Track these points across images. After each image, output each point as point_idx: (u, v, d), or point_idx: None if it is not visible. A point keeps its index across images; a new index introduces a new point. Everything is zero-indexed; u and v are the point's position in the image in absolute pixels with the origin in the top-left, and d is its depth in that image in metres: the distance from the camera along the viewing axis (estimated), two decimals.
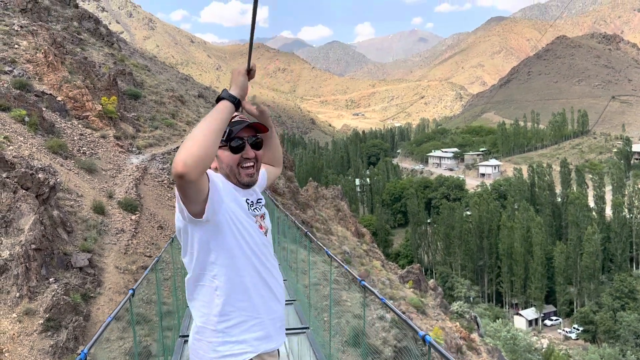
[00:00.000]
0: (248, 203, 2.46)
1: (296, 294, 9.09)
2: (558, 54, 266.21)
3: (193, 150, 1.93)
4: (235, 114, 2.39)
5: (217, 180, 2.33)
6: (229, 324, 2.34)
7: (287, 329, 7.85)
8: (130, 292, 5.22)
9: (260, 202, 2.59)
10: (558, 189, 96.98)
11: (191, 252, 2.35)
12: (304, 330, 7.08)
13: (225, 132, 2.35)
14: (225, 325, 2.34)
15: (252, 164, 2.45)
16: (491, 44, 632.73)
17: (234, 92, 2.21)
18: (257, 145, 2.49)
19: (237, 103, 2.19)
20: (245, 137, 2.44)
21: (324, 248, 6.17)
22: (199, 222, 2.23)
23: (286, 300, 9.10)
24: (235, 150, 2.41)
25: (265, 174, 2.83)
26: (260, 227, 2.48)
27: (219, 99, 2.20)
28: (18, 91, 20.95)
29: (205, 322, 2.38)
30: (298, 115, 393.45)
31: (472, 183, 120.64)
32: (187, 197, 2.12)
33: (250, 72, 2.29)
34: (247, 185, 2.48)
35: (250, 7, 1.88)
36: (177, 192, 2.19)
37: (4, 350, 10.66)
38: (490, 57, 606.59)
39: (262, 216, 2.55)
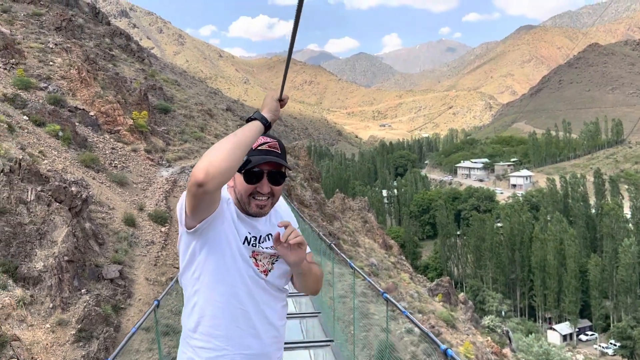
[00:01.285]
0: (247, 237, 2.31)
1: (321, 307, 9.07)
2: (590, 62, 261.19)
3: (217, 161, 1.92)
4: (265, 139, 2.29)
5: (224, 201, 2.28)
6: (198, 344, 2.31)
7: (311, 341, 7.86)
8: (155, 303, 5.28)
9: (266, 244, 2.37)
10: (592, 200, 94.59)
11: (183, 258, 2.36)
12: (329, 343, 7.06)
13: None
14: (195, 344, 2.32)
15: (266, 197, 2.29)
16: (521, 53, 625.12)
17: (265, 114, 2.18)
18: (276, 181, 2.29)
19: (267, 125, 2.17)
20: (265, 169, 2.26)
21: (348, 261, 6.15)
22: (191, 231, 2.23)
23: (311, 313, 9.08)
24: (250, 180, 2.26)
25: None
26: (256, 263, 2.32)
27: (249, 120, 2.19)
28: (52, 107, 21.61)
29: (184, 330, 2.39)
30: (324, 127, 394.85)
31: (502, 194, 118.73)
32: (194, 208, 2.09)
33: (282, 101, 2.26)
34: (254, 216, 2.33)
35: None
36: (182, 200, 2.18)
37: (38, 359, 10.90)
38: (520, 66, 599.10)
39: (270, 255, 2.37)
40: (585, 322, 69.83)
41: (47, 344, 11.29)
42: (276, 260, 2.37)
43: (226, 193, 2.36)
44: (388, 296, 4.18)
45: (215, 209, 2.17)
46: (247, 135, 2.07)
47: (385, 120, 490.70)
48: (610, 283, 68.63)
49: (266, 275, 2.34)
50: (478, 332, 29.89)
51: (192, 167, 24.79)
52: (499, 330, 43.10)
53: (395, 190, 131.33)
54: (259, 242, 2.34)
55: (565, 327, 67.72)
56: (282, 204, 2.55)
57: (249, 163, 2.23)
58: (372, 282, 4.97)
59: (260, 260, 2.33)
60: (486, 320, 43.20)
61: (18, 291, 11.82)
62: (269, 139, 2.30)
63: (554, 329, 67.64)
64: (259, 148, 2.26)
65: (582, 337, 67.51)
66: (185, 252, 2.32)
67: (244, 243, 2.29)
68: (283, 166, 2.31)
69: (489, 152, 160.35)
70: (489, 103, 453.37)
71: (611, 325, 67.16)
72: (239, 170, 2.25)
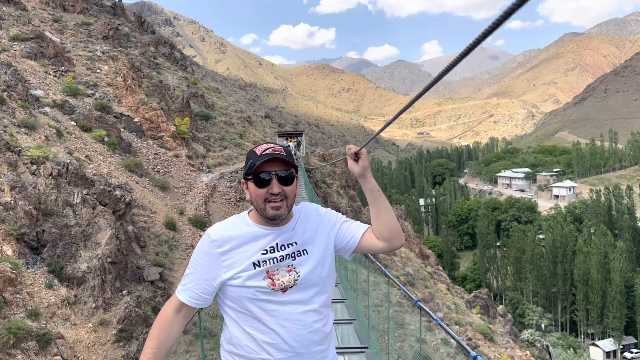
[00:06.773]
0: (255, 263, 2.18)
1: (356, 314, 9.09)
2: (638, 70, 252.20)
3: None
4: (268, 145, 2.23)
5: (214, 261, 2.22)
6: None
7: (346, 347, 7.87)
8: None
9: (287, 250, 2.24)
10: (639, 213, 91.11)
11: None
12: (363, 349, 7.09)
13: (248, 165, 2.21)
14: None
15: (280, 199, 2.18)
16: (565, 61, 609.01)
17: None
18: (286, 180, 2.20)
19: None
20: (273, 170, 2.17)
21: (383, 269, 6.15)
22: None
23: (346, 320, 9.11)
24: (259, 184, 2.18)
25: (353, 235, 2.44)
26: (272, 283, 2.18)
27: None
28: (99, 113, 22.38)
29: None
30: (361, 134, 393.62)
31: (545, 205, 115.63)
32: None
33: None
34: (272, 219, 2.21)
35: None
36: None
37: (80, 358, 11.26)
38: (564, 74, 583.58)
39: (287, 268, 2.22)
40: (630, 339, 67.09)
41: (89, 343, 11.65)
42: (298, 277, 2.23)
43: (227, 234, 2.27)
44: (421, 304, 4.15)
45: (213, 292, 2.27)
46: None
47: (424, 128, 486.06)
48: None
49: (284, 292, 2.20)
50: (517, 346, 29.16)
51: (230, 173, 25.16)
52: (538, 345, 41.94)
53: (434, 199, 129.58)
54: (277, 250, 2.23)
55: (608, 344, 65.21)
56: (311, 211, 2.45)
57: (253, 166, 2.18)
58: (406, 291, 4.95)
59: (279, 279, 2.20)
60: (525, 334, 42.13)
61: (63, 291, 12.26)
62: (272, 144, 2.25)
63: (597, 345, 65.22)
64: (264, 153, 2.19)
65: (627, 354, 64.83)
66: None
67: (254, 268, 2.19)
68: (291, 167, 2.22)
69: (531, 162, 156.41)
70: (531, 111, 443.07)
71: None
72: (247, 176, 2.23)
